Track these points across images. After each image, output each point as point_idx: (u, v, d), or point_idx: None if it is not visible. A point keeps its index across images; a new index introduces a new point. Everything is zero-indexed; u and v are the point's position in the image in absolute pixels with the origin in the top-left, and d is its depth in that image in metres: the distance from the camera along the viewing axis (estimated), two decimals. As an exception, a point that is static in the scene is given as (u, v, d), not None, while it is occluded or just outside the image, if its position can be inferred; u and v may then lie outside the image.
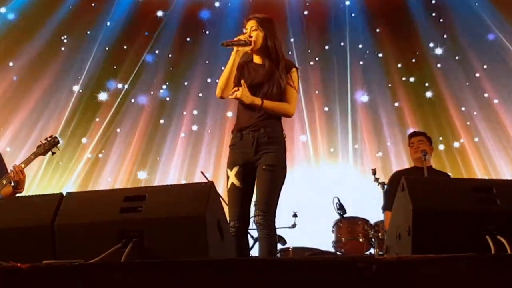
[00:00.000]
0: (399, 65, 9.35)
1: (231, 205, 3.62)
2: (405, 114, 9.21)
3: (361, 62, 9.42)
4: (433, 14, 9.27)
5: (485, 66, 8.97)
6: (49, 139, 4.56)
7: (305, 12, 9.53)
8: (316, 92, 9.47)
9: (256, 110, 3.66)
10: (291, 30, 9.39)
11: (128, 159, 9.25)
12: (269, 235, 3.52)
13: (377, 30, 9.41)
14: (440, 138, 8.84)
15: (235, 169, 3.63)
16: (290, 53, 9.36)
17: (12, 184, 4.38)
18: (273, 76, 3.70)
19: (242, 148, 3.66)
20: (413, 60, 9.32)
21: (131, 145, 9.29)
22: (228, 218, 3.39)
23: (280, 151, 3.64)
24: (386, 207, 5.23)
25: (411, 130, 7.58)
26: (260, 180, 3.57)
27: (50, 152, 4.57)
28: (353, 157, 9.28)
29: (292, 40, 9.48)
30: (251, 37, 3.70)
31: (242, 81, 3.65)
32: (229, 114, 8.86)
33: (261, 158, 3.60)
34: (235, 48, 3.68)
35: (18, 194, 4.38)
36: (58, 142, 4.56)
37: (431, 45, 9.19)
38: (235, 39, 3.70)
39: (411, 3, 9.30)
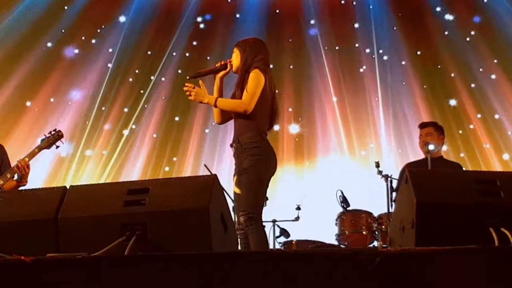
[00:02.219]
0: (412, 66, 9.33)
1: (235, 211, 3.94)
2: (413, 112, 9.18)
3: (373, 63, 9.38)
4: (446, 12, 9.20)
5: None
6: (53, 132, 4.55)
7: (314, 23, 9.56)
8: (322, 85, 9.45)
9: (235, 125, 3.96)
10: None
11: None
12: (254, 229, 3.67)
13: (395, 30, 9.33)
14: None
15: (234, 179, 3.95)
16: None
17: (16, 178, 4.39)
18: (238, 89, 3.99)
19: (235, 160, 3.98)
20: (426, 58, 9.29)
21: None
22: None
23: (254, 155, 3.83)
24: None
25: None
26: (240, 185, 3.84)
27: (54, 146, 4.56)
28: (356, 150, 9.27)
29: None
30: (231, 61, 4.05)
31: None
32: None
33: (242, 165, 3.86)
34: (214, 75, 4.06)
35: (21, 188, 4.39)
36: (62, 136, 4.54)
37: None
38: (212, 67, 4.10)
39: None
